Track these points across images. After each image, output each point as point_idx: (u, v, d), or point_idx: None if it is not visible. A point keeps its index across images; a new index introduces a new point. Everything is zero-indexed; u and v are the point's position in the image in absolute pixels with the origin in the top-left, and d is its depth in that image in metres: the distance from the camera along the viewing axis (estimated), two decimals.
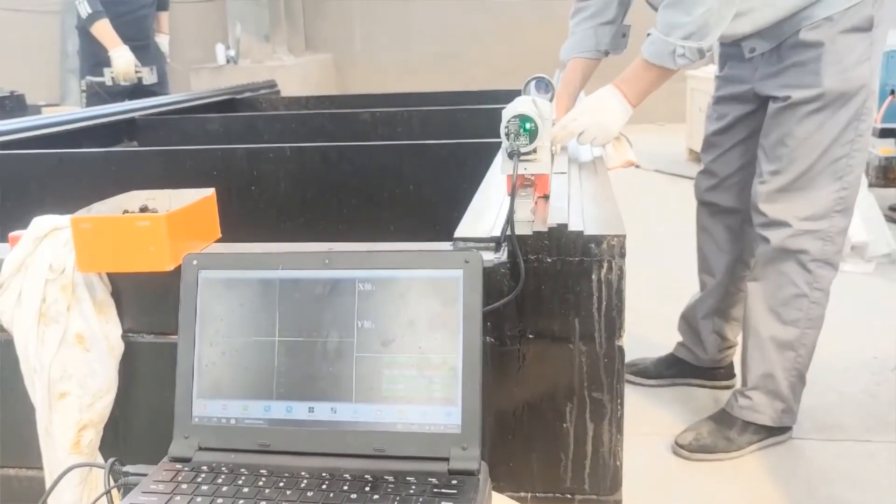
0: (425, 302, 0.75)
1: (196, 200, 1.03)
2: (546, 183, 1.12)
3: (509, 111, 1.02)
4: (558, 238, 0.94)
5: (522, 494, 1.02)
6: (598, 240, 0.94)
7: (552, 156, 1.10)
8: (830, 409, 2.22)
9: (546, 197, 1.13)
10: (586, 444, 1.00)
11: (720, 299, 2.28)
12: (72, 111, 2.81)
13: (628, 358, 1.95)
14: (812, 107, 1.82)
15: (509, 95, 3.31)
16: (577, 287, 0.95)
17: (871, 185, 3.51)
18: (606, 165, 1.59)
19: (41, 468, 1.07)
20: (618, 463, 1.01)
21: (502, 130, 1.02)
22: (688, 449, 2.05)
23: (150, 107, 3.03)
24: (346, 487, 0.68)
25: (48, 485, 1.05)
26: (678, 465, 2.00)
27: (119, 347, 1.03)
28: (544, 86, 1.68)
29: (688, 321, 2.38)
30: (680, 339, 2.44)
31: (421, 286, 0.75)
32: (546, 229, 0.95)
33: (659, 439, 2.12)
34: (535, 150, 1.03)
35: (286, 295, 0.76)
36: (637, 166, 1.73)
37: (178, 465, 0.73)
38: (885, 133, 3.54)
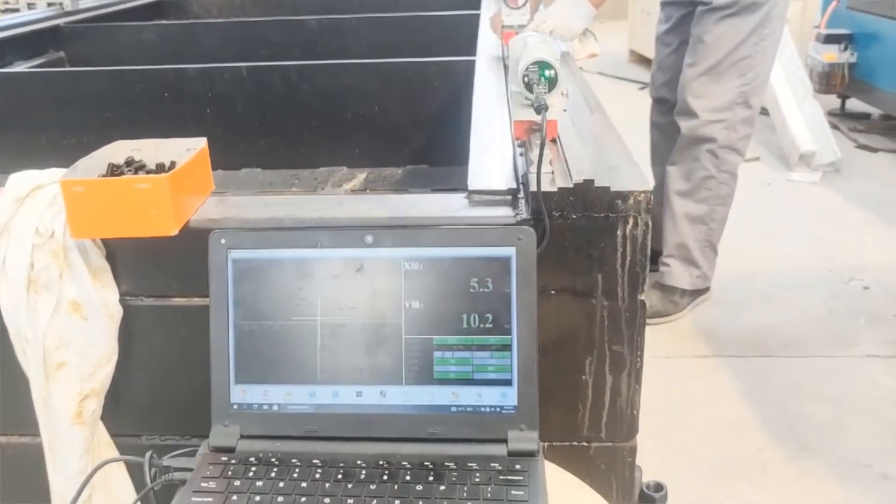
0: (476, 281, 0.72)
1: (194, 156, 0.96)
2: (555, 127, 1.08)
3: (527, 57, 0.97)
4: (584, 194, 0.92)
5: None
6: (624, 196, 0.92)
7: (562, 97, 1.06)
8: (793, 326, 2.33)
9: (554, 141, 1.09)
10: (604, 395, 1.01)
11: None
12: None
13: None
14: (728, 11, 2.18)
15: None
16: (602, 243, 0.94)
17: (816, 91, 3.56)
18: (574, 57, 1.83)
19: (37, 435, 1.02)
20: (634, 412, 1.02)
21: (520, 79, 0.97)
22: None
23: (74, 12, 2.82)
24: (408, 477, 0.67)
25: (47, 454, 1.01)
26: (656, 393, 2.07)
27: (118, 313, 0.98)
28: None
29: None
30: None
31: (471, 265, 0.72)
32: (572, 185, 0.92)
33: None
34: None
35: (325, 275, 0.72)
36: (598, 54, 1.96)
37: (223, 457, 0.70)
38: (829, 39, 3.56)
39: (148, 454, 0.73)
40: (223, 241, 0.74)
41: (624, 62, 5.54)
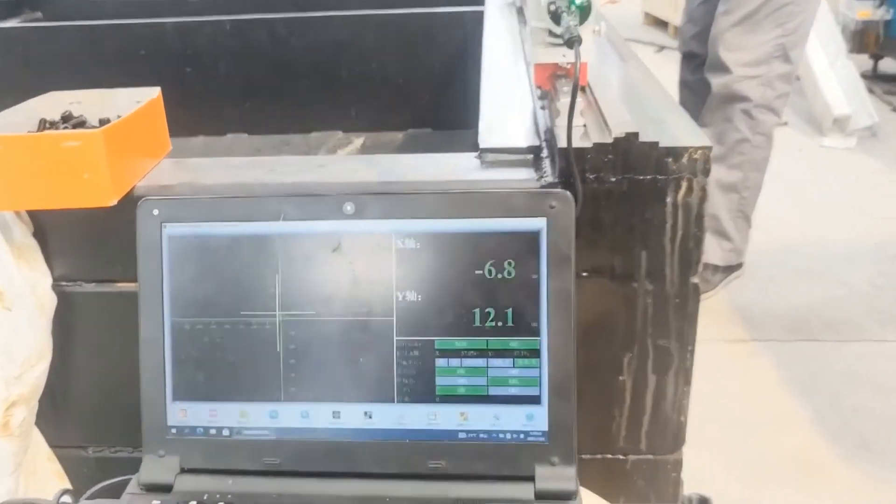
0: (493, 263, 0.54)
1: (139, 108, 0.78)
2: (586, 72, 0.89)
3: None
4: (625, 151, 0.74)
5: None
6: (677, 153, 0.74)
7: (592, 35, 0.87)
8: (839, 305, 2.17)
9: (583, 89, 0.91)
10: (645, 399, 0.85)
11: None
12: None
13: None
14: None
15: None
16: (647, 213, 0.76)
17: (850, 52, 3.35)
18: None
19: None
20: (682, 418, 0.86)
21: (545, 9, 0.78)
22: None
23: None
24: None
25: None
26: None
27: (50, 302, 0.81)
28: None
29: None
30: None
31: (487, 242, 0.54)
32: (611, 140, 0.74)
33: None
34: None
35: (291, 256, 0.54)
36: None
37: (156, 500, 0.52)
38: None
39: (56, 495, 0.55)
40: (156, 211, 0.56)
41: (638, 24, 5.36)
